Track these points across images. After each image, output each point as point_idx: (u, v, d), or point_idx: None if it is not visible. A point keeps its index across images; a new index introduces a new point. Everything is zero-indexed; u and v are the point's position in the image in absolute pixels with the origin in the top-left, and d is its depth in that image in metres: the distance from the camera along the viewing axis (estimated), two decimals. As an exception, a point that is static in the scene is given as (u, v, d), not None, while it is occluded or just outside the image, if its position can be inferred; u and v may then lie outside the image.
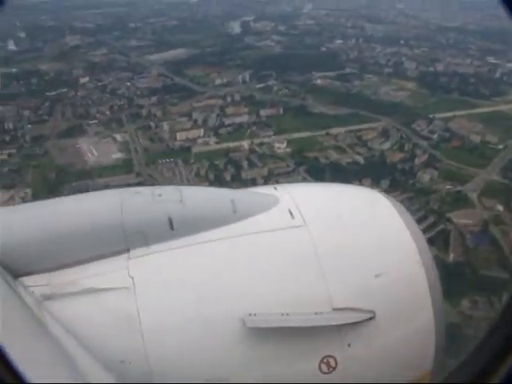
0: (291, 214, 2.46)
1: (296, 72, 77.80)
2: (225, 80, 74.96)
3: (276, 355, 2.16)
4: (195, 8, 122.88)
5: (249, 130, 62.52)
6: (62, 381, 1.56)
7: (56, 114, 65.76)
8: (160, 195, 2.47)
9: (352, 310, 2.20)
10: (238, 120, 61.20)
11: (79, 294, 2.14)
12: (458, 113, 65.20)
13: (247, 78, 75.30)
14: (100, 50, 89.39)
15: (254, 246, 2.35)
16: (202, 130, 61.98)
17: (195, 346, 2.12)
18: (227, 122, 62.38)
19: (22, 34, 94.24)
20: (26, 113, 65.12)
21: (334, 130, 62.64)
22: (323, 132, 62.25)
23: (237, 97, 68.88)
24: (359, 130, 63.14)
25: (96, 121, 64.01)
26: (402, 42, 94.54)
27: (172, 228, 2.34)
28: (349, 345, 2.17)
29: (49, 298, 2.12)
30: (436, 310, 2.34)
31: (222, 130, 62.57)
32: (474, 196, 48.56)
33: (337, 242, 2.39)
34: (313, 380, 2.16)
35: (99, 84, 74.48)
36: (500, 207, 44.41)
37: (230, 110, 64.80)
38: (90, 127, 62.55)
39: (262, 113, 64.46)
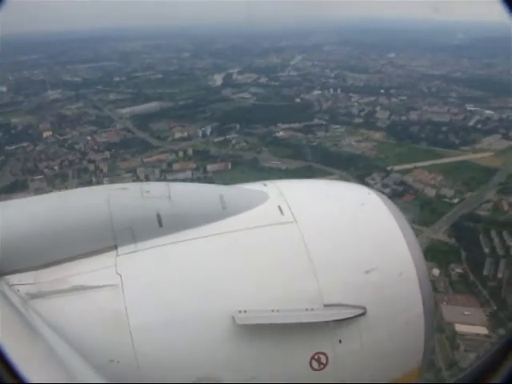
0: (281, 210, 2.46)
1: (262, 124, 76.04)
2: (185, 134, 73.58)
3: (267, 352, 2.14)
4: (185, 62, 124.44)
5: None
6: (49, 381, 1.55)
7: (5, 168, 64.91)
8: (148, 191, 2.42)
9: (343, 306, 2.20)
10: (181, 176, 58.66)
11: (66, 292, 2.11)
12: (420, 164, 61.79)
13: (208, 132, 73.76)
14: (76, 104, 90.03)
15: (243, 242, 2.33)
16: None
17: (185, 344, 2.09)
18: (170, 177, 59.87)
19: (4, 89, 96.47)
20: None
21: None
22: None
23: (190, 151, 67.00)
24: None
25: (41, 176, 62.60)
26: (382, 91, 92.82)
27: (160, 224, 2.31)
28: (340, 341, 2.18)
29: (35, 296, 2.09)
30: (426, 306, 2.36)
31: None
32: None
33: (327, 238, 2.39)
34: (304, 377, 2.16)
35: (61, 138, 73.84)
36: (436, 271, 39.92)
37: (176, 166, 62.75)
38: (33, 183, 61.06)
39: (209, 168, 62.16)
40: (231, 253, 2.30)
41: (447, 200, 53.46)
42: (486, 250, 43.32)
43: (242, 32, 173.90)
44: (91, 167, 64.96)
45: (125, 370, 2.02)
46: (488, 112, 77.61)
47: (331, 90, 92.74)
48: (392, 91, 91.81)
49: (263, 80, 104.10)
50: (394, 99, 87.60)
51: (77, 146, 71.39)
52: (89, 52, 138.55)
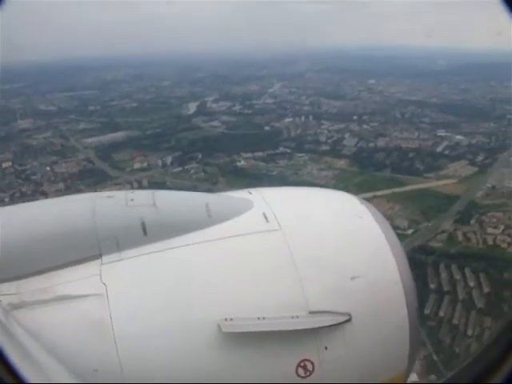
0: (266, 218, 2.48)
1: (225, 153, 74.32)
2: (145, 164, 71.88)
3: (253, 360, 2.14)
4: (163, 90, 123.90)
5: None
6: None
7: (-46, 202, 63.13)
8: (133, 200, 2.43)
9: (328, 313, 2.21)
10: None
11: (50, 301, 2.08)
12: (380, 192, 59.60)
13: (168, 162, 72.08)
14: (44, 134, 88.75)
15: (228, 250, 2.34)
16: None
17: (170, 353, 2.08)
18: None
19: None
20: None
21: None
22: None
23: (145, 182, 65.23)
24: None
25: (-11, 209, 60.81)
26: (354, 117, 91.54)
27: (145, 233, 2.30)
28: (326, 348, 2.19)
29: (18, 306, 2.06)
30: (410, 312, 2.38)
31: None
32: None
33: (312, 245, 2.41)
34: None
35: (19, 169, 72.31)
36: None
37: (128, 197, 60.82)
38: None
39: (161, 199, 60.13)
40: (216, 261, 2.28)
41: (400, 232, 51.12)
42: (432, 286, 40.86)
43: (225, 60, 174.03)
44: (42, 199, 63.08)
45: (110, 380, 1.98)
46: (458, 137, 76.16)
47: (302, 118, 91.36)
48: (365, 117, 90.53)
49: (237, 108, 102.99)
50: (365, 126, 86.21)
51: (33, 177, 69.88)
52: (71, 81, 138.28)
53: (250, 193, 2.81)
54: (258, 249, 2.33)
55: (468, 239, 47.76)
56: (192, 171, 69.52)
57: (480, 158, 69.66)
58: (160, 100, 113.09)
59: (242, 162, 70.92)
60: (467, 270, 41.99)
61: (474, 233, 48.35)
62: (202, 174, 68.61)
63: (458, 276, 41.38)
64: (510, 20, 1.66)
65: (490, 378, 1.65)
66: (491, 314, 35.82)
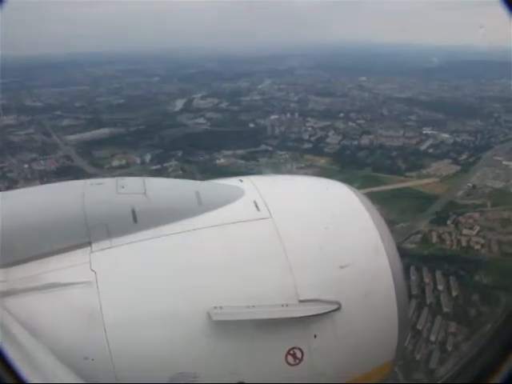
0: (257, 206, 2.47)
1: (206, 151, 73.23)
2: (124, 162, 70.85)
3: (242, 348, 2.15)
4: (152, 86, 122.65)
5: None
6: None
7: None
8: (123, 187, 2.42)
9: (318, 301, 2.22)
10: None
11: (39, 289, 2.08)
12: (359, 191, 58.33)
13: (147, 159, 71.04)
14: (27, 130, 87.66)
15: (219, 238, 2.33)
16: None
17: (160, 341, 2.09)
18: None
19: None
20: None
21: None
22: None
23: (122, 179, 64.34)
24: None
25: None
26: (341, 114, 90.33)
27: (135, 220, 2.29)
28: (315, 336, 2.20)
29: (6, 294, 2.06)
30: (399, 300, 2.41)
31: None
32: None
33: (302, 233, 2.41)
34: (280, 372, 2.19)
35: (-4, 166, 71.31)
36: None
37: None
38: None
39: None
40: (206, 249, 2.28)
41: (374, 232, 50.18)
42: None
43: (218, 57, 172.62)
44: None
45: (100, 368, 1.99)
46: (443, 135, 75.12)
47: (288, 115, 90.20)
48: (352, 115, 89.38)
49: (224, 105, 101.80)
50: (350, 123, 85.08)
51: (10, 175, 68.85)
52: (61, 76, 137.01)
53: (241, 181, 2.75)
54: (248, 237, 2.32)
55: (443, 240, 46.82)
56: (170, 169, 68.52)
57: (464, 156, 68.76)
58: (149, 96, 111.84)
59: (222, 160, 69.81)
60: (438, 273, 41.04)
61: (449, 234, 47.42)
62: (180, 171, 67.52)
63: (427, 279, 40.42)
64: (509, 20, 1.65)
65: (489, 378, 1.66)
66: (456, 318, 34.93)
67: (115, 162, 71.15)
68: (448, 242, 46.43)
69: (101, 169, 70.44)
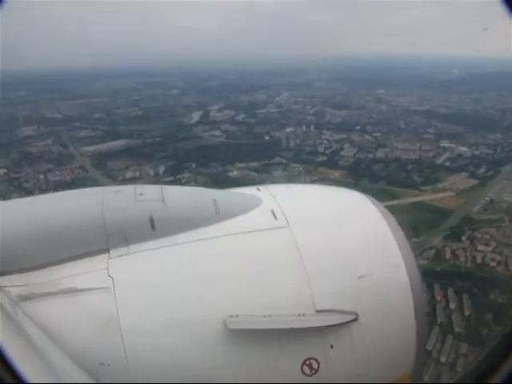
0: (274, 215, 2.46)
1: (219, 163, 73.14)
2: (137, 174, 71.16)
3: (258, 357, 2.14)
4: (170, 99, 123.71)
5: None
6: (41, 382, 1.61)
7: None
8: (141, 194, 2.45)
9: (335, 311, 2.20)
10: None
11: (57, 294, 2.10)
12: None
13: (161, 171, 71.20)
14: (45, 141, 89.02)
15: (236, 246, 2.32)
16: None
17: (176, 349, 2.09)
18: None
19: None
20: None
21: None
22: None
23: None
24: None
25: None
26: (357, 127, 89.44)
27: (153, 228, 2.31)
28: (331, 346, 2.18)
29: (26, 298, 2.08)
30: (417, 311, 2.38)
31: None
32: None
33: (320, 243, 2.39)
34: (295, 382, 2.17)
35: (14, 176, 72.39)
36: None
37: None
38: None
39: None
40: (224, 257, 2.27)
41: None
42: (411, 307, 38.61)
43: (236, 69, 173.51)
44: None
45: (115, 374, 1.99)
46: (461, 149, 73.45)
47: (304, 127, 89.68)
48: (368, 128, 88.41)
49: (240, 117, 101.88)
50: (367, 136, 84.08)
51: (25, 185, 69.73)
52: (82, 89, 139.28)
53: (259, 189, 2.74)
54: (265, 246, 2.30)
55: (456, 257, 45.32)
56: (184, 181, 68.34)
57: (482, 170, 66.94)
58: (166, 109, 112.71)
59: (235, 172, 69.51)
60: (450, 291, 39.65)
61: (464, 250, 45.87)
62: (193, 183, 67.36)
63: (439, 297, 39.05)
64: (510, 20, 1.62)
65: (489, 378, 1.65)
66: (468, 339, 33.56)
67: (129, 174, 71.45)
68: (462, 259, 44.88)
69: (114, 180, 70.68)
